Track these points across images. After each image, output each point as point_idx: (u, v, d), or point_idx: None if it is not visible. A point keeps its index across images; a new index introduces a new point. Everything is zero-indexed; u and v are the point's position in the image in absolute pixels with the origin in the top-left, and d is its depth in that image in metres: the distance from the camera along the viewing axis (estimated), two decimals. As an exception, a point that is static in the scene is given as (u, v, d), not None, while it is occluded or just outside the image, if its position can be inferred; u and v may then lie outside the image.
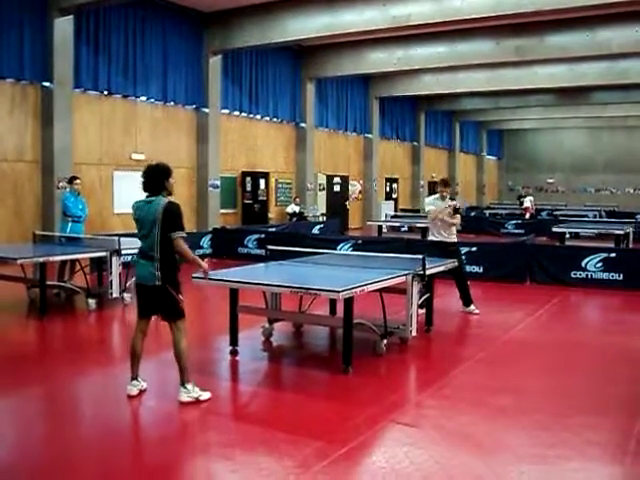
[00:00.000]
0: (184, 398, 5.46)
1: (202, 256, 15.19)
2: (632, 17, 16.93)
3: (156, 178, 5.51)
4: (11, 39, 14.23)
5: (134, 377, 5.68)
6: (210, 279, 6.68)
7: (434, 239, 9.57)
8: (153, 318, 5.84)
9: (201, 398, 5.51)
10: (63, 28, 14.76)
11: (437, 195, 9.75)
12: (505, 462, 4.49)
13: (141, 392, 5.68)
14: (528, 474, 4.24)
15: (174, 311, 5.53)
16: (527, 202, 27.43)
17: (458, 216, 9.60)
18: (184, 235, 5.47)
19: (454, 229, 9.62)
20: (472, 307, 9.53)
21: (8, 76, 14.44)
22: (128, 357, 5.73)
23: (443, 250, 9.27)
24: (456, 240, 9.69)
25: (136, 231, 5.65)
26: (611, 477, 4.30)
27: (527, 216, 26.08)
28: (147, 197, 5.55)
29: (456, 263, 8.77)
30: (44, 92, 14.97)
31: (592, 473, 4.38)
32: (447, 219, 9.44)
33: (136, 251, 5.73)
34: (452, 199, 9.84)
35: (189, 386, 5.51)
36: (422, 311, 8.06)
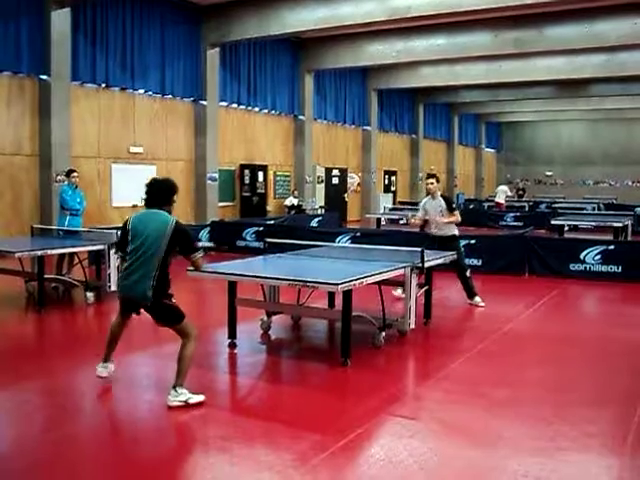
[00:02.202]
0: (173, 402, 5.19)
1: (203, 249, 15.19)
2: (631, 9, 16.88)
3: (165, 193, 5.46)
4: (8, 32, 14.15)
5: (107, 359, 5.73)
6: (208, 272, 6.68)
7: (433, 233, 9.49)
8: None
9: (190, 401, 5.22)
10: (60, 21, 14.68)
11: (428, 197, 9.59)
12: (504, 454, 4.50)
13: (109, 375, 5.72)
14: (527, 466, 4.24)
15: (173, 318, 5.39)
16: (500, 195, 25.84)
17: (456, 213, 9.40)
18: (201, 255, 5.63)
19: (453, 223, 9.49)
20: (477, 299, 9.45)
21: (5, 69, 14.36)
22: (105, 340, 5.76)
23: (443, 244, 9.19)
24: (456, 233, 9.54)
25: (124, 241, 5.48)
26: (610, 469, 4.29)
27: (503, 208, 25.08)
28: (148, 210, 5.44)
29: (456, 256, 8.75)
30: (41, 85, 14.91)
31: (591, 465, 4.38)
32: (443, 220, 9.26)
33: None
34: (444, 197, 9.57)
35: (180, 390, 5.24)
36: (421, 291, 7.93)
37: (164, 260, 5.27)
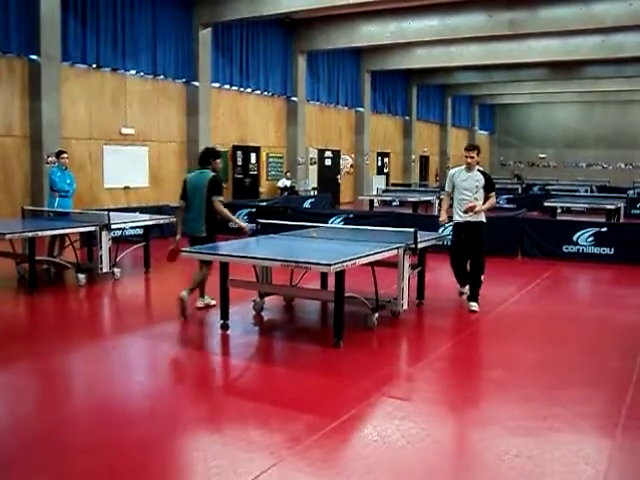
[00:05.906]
0: (200, 304, 7.73)
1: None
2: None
3: (207, 156, 7.75)
4: (-3, 11, 13.98)
5: (203, 295, 7.80)
6: (200, 252, 6.67)
7: (459, 220, 7.95)
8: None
9: (211, 303, 7.75)
10: (49, -1, 14.50)
11: (462, 166, 8.01)
12: (496, 435, 4.49)
13: (208, 307, 7.76)
14: (519, 447, 4.24)
15: None
16: None
17: (493, 194, 7.90)
18: (221, 199, 7.61)
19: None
20: (474, 304, 7.92)
21: (-6, 49, 14.21)
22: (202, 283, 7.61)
23: (470, 234, 7.89)
24: (484, 220, 7.99)
25: (179, 196, 7.80)
26: (602, 449, 4.30)
27: None
28: (198, 170, 7.68)
29: (449, 238, 8.67)
30: (31, 65, 14.74)
31: (583, 445, 4.38)
32: (481, 207, 7.76)
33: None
34: (483, 173, 7.97)
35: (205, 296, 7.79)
36: (414, 272, 7.74)
37: (208, 204, 7.46)
